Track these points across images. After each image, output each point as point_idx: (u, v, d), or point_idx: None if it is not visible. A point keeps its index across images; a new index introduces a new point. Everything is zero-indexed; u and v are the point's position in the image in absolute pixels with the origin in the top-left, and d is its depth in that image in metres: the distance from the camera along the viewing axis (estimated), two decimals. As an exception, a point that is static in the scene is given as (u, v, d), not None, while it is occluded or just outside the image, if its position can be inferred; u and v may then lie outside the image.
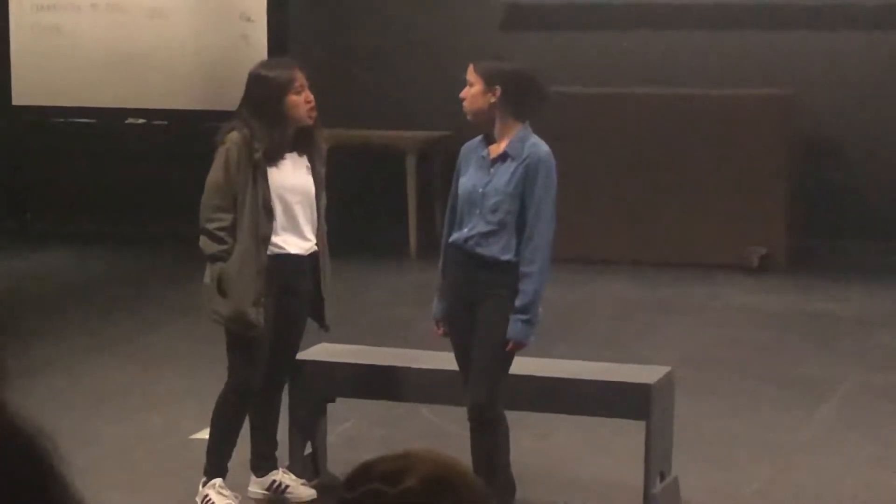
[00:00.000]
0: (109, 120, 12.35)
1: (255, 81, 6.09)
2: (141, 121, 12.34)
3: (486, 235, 5.67)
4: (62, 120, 12.46)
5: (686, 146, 10.94)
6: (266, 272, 5.92)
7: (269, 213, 5.94)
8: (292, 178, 6.03)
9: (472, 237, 5.70)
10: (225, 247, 5.98)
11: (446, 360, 6.28)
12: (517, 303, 5.62)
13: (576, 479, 6.29)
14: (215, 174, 6.06)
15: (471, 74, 5.80)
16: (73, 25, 12.33)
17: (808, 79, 11.06)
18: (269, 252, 5.95)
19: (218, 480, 6.07)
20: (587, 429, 6.67)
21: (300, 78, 6.00)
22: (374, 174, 11.69)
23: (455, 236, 5.78)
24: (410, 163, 11.44)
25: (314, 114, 6.03)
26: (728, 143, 10.88)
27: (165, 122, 12.29)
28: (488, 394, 5.71)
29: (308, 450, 6.40)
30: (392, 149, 11.40)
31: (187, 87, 12.18)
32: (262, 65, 6.34)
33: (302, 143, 6.06)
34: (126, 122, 12.35)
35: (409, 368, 6.38)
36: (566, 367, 6.33)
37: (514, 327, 5.63)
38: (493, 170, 5.72)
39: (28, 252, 11.59)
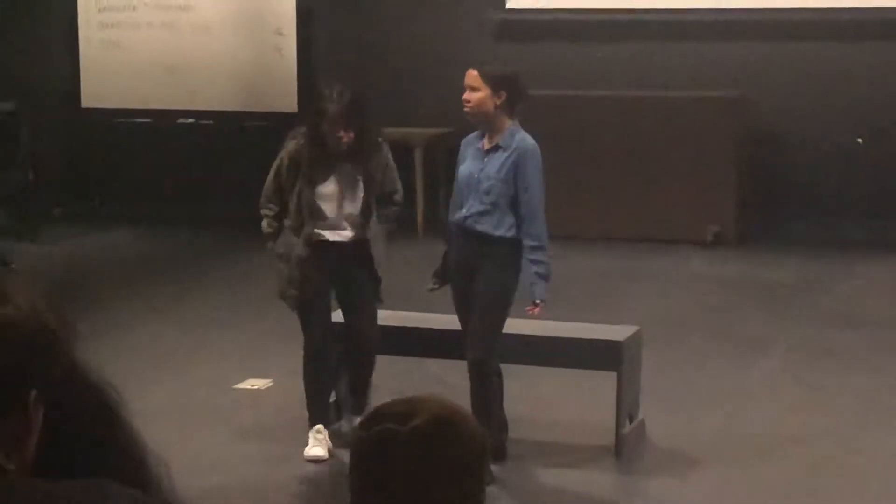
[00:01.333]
0: (164, 120, 12.34)
1: (312, 100, 6.06)
2: (190, 120, 12.32)
3: (481, 214, 5.69)
4: (123, 120, 12.44)
5: (652, 140, 10.92)
6: (315, 255, 5.95)
7: (311, 215, 5.96)
8: (332, 186, 5.97)
9: (470, 216, 5.71)
10: (271, 231, 6.06)
11: (448, 322, 6.30)
12: (537, 270, 5.64)
13: (558, 421, 6.30)
14: (270, 174, 6.09)
15: (475, 80, 5.70)
16: (132, 40, 12.31)
17: (755, 82, 11.04)
18: (317, 237, 5.97)
19: (317, 426, 6.08)
20: (567, 379, 6.67)
21: (336, 115, 5.81)
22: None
23: (457, 215, 5.79)
24: (418, 155, 11.42)
25: (342, 147, 5.86)
26: (687, 137, 10.86)
27: (211, 122, 12.27)
28: (486, 350, 5.72)
29: (332, 397, 6.40)
30: (402, 143, 11.36)
31: (229, 91, 12.16)
32: (323, 84, 6.14)
33: (355, 156, 5.95)
34: (178, 121, 12.33)
35: (417, 328, 6.39)
36: (550, 327, 6.33)
37: (540, 290, 5.67)
38: (487, 159, 5.71)
39: (96, 232, 11.59)
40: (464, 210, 5.75)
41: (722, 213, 10.87)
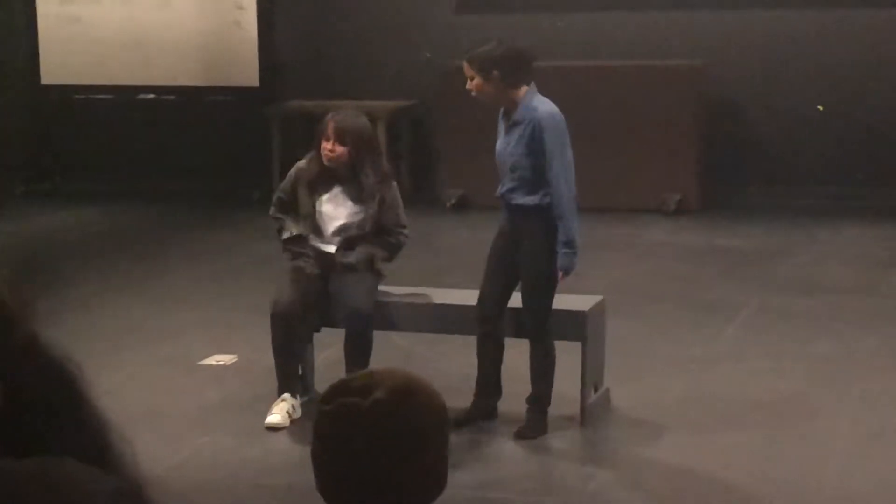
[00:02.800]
0: (124, 96, 12.27)
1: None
2: (151, 96, 12.26)
3: (513, 189, 5.84)
4: (83, 97, 12.36)
5: (613, 109, 10.94)
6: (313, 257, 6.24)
7: (311, 228, 6.26)
8: (330, 204, 6.22)
9: (505, 192, 5.87)
10: (278, 223, 6.34)
11: (410, 295, 6.31)
12: (560, 238, 5.74)
13: (522, 391, 6.29)
14: (285, 183, 6.39)
15: (468, 70, 5.82)
16: (91, 15, 12.21)
17: (714, 51, 11.07)
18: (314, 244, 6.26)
19: (284, 395, 6.12)
20: (532, 349, 6.67)
21: (328, 127, 6.16)
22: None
23: (499, 190, 5.91)
24: (381, 128, 11.40)
25: (329, 159, 6.15)
26: (648, 107, 10.88)
27: (172, 97, 12.21)
28: (540, 322, 5.84)
29: (299, 372, 6.39)
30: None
31: (189, 66, 12.09)
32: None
33: (355, 180, 6.21)
34: (138, 97, 12.27)
35: (379, 302, 6.37)
36: (516, 297, 6.33)
37: (562, 260, 5.75)
38: (508, 136, 5.84)
39: (57, 209, 11.53)
40: (501, 186, 5.89)
41: (684, 182, 10.91)
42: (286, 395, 6.11)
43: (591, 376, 6.13)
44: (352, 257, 6.20)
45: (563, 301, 6.21)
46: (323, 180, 6.23)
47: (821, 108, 11.07)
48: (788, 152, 11.18)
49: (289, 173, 6.39)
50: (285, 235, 6.29)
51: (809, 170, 11.10)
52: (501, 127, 5.90)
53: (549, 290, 5.86)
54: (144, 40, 12.08)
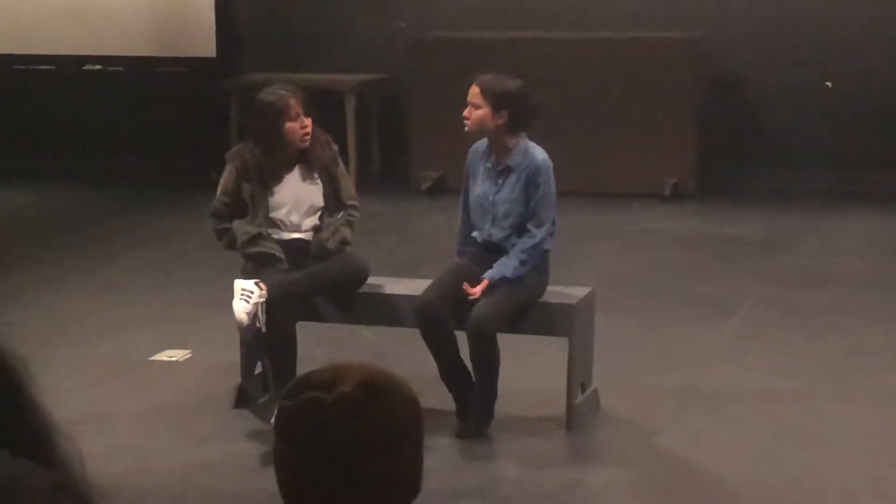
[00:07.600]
0: (68, 66, 12.23)
1: (257, 109, 6.20)
2: (97, 67, 12.23)
3: (504, 239, 6.02)
4: (24, 67, 12.33)
5: (604, 86, 10.96)
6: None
7: (268, 225, 6.21)
8: (283, 192, 6.18)
9: (493, 241, 6.02)
10: (224, 236, 6.25)
11: (383, 286, 6.33)
12: (510, 272, 5.89)
13: (503, 391, 6.32)
14: (220, 189, 6.28)
15: (477, 97, 5.96)
16: (31, -22, 12.17)
17: (713, 22, 11.09)
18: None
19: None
20: (513, 345, 6.71)
21: (295, 105, 6.12)
22: (314, 116, 11.63)
23: (478, 237, 6.07)
24: (349, 104, 11.40)
25: (307, 138, 6.16)
26: (642, 83, 10.91)
27: (120, 68, 12.18)
28: (489, 317, 5.85)
29: (258, 369, 6.40)
30: (331, 91, 11.34)
31: (140, 35, 12.06)
32: (264, 92, 6.29)
33: (305, 158, 6.22)
34: (84, 67, 12.23)
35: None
36: (494, 289, 6.36)
37: (494, 273, 5.91)
38: (501, 180, 6.02)
39: (-7, 191, 11.49)
40: (484, 232, 6.05)
41: (680, 164, 10.94)
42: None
43: (578, 375, 6.16)
44: (328, 243, 6.18)
45: (549, 293, 6.24)
46: (276, 168, 6.19)
47: (829, 84, 11.11)
48: (794, 132, 11.21)
49: (225, 174, 6.23)
50: (243, 238, 6.15)
51: (817, 152, 11.14)
52: (480, 168, 6.05)
53: (515, 310, 5.96)
54: (90, 6, 12.05)
